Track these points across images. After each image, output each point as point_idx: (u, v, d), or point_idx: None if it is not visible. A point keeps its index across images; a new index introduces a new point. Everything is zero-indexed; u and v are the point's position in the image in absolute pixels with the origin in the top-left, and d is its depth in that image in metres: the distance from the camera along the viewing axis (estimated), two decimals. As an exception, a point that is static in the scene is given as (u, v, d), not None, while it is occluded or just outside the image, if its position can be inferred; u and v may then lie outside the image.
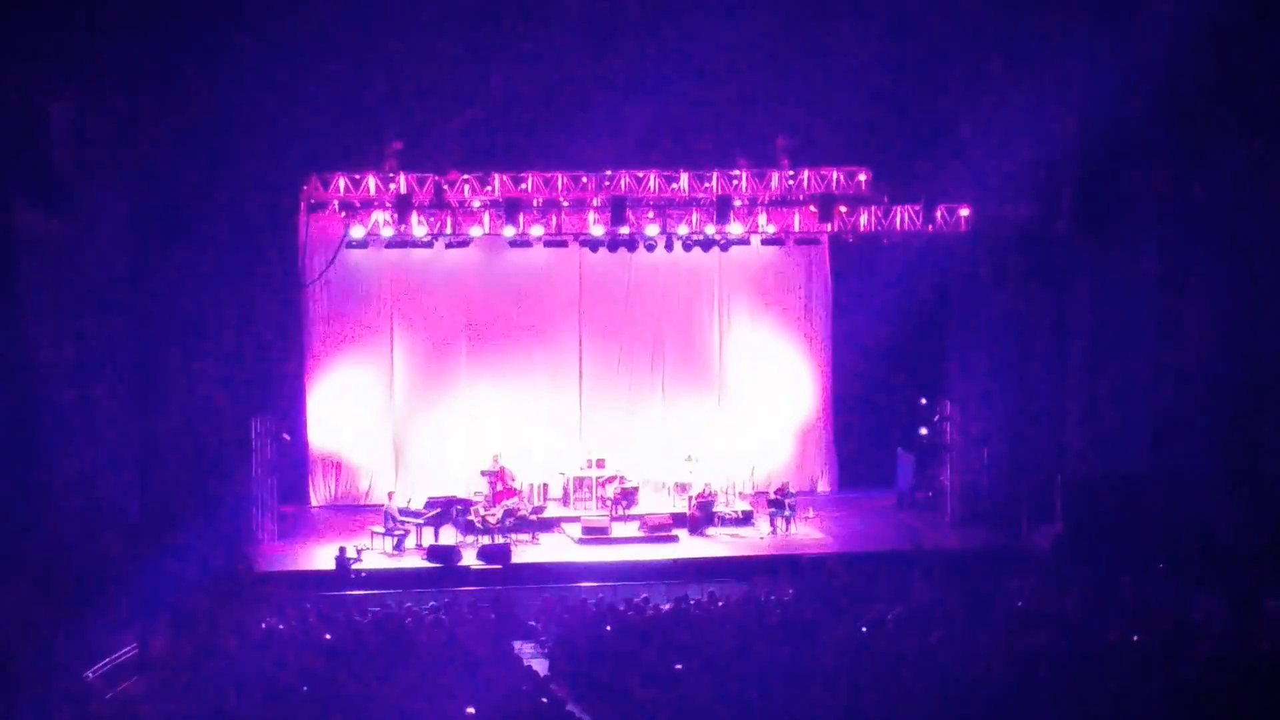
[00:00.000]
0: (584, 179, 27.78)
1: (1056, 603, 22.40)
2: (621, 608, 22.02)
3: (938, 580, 23.82)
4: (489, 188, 27.52)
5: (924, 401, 30.35)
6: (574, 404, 30.83)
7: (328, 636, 20.54)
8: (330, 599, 23.72)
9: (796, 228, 29.21)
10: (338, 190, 27.29)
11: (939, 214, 28.61)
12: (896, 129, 28.90)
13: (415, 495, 28.05)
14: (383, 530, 26.60)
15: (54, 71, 23.94)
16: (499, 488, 27.97)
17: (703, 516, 28.02)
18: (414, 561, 26.09)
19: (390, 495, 27.52)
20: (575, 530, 27.66)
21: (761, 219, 28.78)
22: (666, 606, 22.23)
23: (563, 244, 29.15)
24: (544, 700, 18.08)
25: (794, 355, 31.52)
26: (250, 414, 26.96)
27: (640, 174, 27.86)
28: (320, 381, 29.86)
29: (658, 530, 27.53)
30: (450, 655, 19.56)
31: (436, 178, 27.21)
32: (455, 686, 18.06)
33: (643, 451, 30.29)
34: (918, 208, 28.56)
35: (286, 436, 28.10)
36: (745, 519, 28.35)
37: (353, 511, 29.25)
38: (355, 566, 25.17)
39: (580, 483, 29.12)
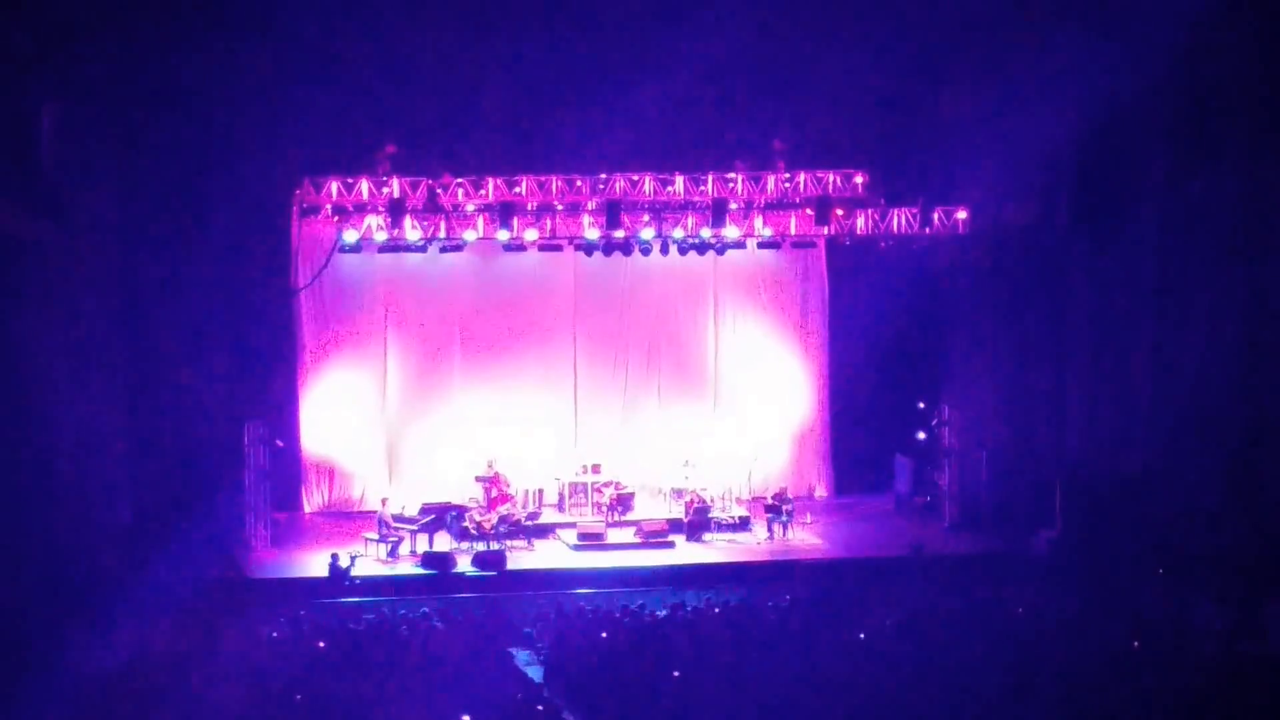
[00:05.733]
0: (578, 182, 27.68)
1: (1056, 608, 22.28)
2: (618, 614, 21.88)
3: (936, 585, 23.72)
4: (483, 191, 27.40)
5: (922, 405, 30.21)
6: (569, 409, 30.66)
7: (321, 644, 20.40)
8: (324, 606, 23.57)
9: (793, 231, 29.12)
10: (330, 194, 27.13)
11: (936, 216, 28.52)
12: (893, 131, 28.89)
13: (409, 501, 27.87)
14: (377, 537, 26.48)
15: (44, 75, 23.85)
16: (494, 494, 27.84)
17: (699, 522, 27.85)
18: (408, 568, 26.00)
19: (384, 501, 27.35)
20: (571, 536, 27.51)
21: (758, 222, 28.66)
22: (663, 613, 22.12)
23: (557, 248, 29.00)
24: (539, 707, 18.01)
25: (791, 359, 31.38)
26: (243, 420, 26.82)
27: (635, 177, 27.75)
28: (313, 387, 29.67)
29: (654, 536, 27.38)
30: (445, 662, 19.44)
31: (430, 181, 27.08)
32: (450, 694, 17.95)
33: (639, 457, 30.14)
34: (915, 210, 28.49)
35: (279, 443, 27.91)
36: (742, 524, 28.16)
37: (346, 518, 29.12)
38: (349, 573, 25.01)
39: (576, 488, 28.95)
